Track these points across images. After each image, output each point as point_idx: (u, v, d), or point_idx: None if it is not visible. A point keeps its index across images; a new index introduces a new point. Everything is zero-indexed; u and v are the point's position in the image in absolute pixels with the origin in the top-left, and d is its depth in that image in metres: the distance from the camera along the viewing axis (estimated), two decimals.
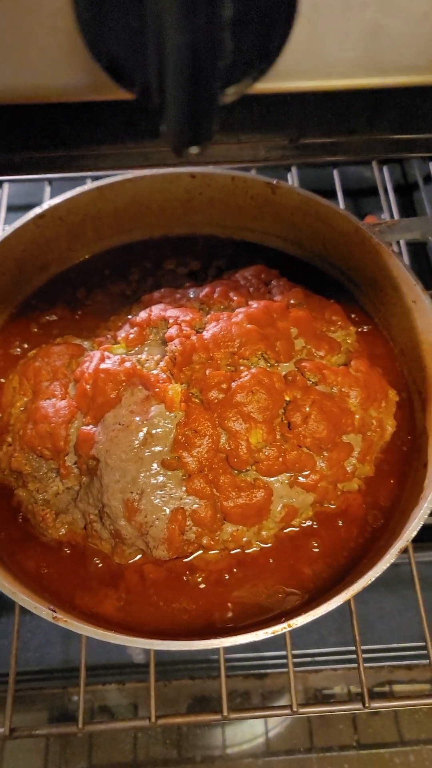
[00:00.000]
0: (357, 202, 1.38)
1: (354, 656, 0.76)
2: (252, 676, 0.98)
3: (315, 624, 1.01)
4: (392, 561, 0.63)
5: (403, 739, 0.99)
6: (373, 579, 0.62)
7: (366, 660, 0.96)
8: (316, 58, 0.32)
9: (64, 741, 0.95)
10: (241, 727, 1.00)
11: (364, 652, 0.92)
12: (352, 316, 0.83)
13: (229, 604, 0.69)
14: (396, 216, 1.08)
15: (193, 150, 0.27)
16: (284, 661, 0.76)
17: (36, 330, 0.82)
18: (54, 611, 0.59)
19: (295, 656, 0.76)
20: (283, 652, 0.76)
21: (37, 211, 0.79)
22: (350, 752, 0.98)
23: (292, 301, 0.77)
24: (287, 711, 0.73)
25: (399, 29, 0.31)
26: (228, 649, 0.79)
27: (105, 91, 0.31)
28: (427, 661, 0.76)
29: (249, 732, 1.00)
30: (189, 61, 0.26)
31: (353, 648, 0.76)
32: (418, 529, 0.64)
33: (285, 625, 0.60)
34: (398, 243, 1.01)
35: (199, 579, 0.69)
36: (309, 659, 0.97)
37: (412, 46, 0.32)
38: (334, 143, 0.41)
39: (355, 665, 0.76)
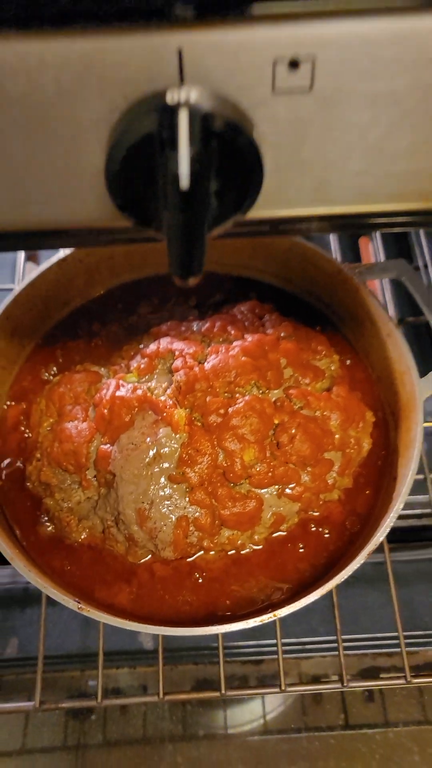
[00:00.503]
0: None
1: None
2: (249, 662, 1.09)
3: (305, 616, 1.14)
4: (363, 561, 0.74)
5: (387, 721, 1.11)
6: (346, 577, 0.73)
7: (351, 648, 1.09)
8: (279, 200, 0.43)
9: (81, 718, 1.07)
10: (241, 709, 1.11)
11: (350, 640, 1.04)
12: (335, 347, 0.93)
13: (226, 597, 0.80)
14: (380, 247, 1.20)
15: (191, 280, 0.39)
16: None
17: (60, 359, 0.94)
18: (79, 602, 0.71)
19: (287, 644, 0.87)
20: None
21: (60, 255, 0.91)
22: (336, 732, 1.09)
23: (282, 334, 0.88)
24: (276, 689, 0.84)
25: (339, 181, 0.42)
26: (227, 637, 0.91)
27: (119, 222, 0.43)
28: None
29: (248, 714, 1.11)
30: (184, 220, 0.37)
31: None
32: (385, 535, 0.75)
33: (272, 614, 0.71)
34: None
35: (200, 576, 0.80)
36: (300, 647, 1.09)
37: (350, 190, 0.43)
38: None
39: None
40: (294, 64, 0.36)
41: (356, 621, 1.10)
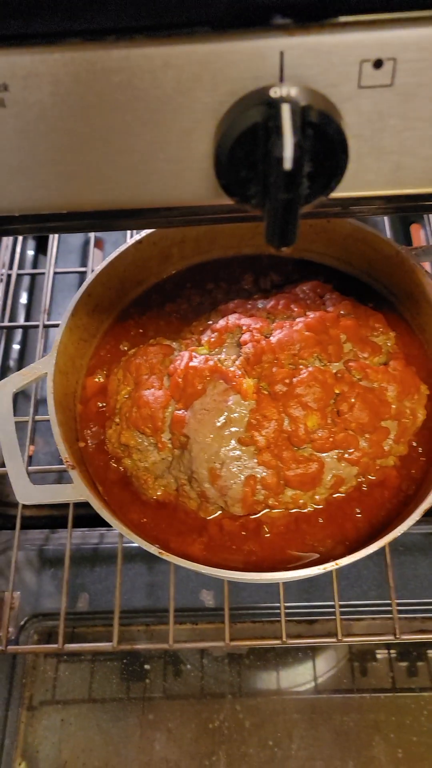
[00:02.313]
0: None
1: (389, 608, 0.93)
2: (304, 621, 1.17)
3: (357, 581, 1.20)
4: (417, 518, 0.80)
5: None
6: (404, 530, 0.77)
7: (400, 612, 1.15)
8: (358, 182, 0.49)
9: (143, 669, 1.16)
10: (293, 671, 1.19)
11: (400, 604, 1.10)
12: (391, 324, 0.99)
13: (289, 551, 0.87)
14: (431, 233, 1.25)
15: (285, 249, 0.46)
16: (331, 609, 0.94)
17: (134, 333, 1.02)
18: (159, 548, 0.79)
19: (341, 606, 0.94)
20: (331, 602, 0.94)
21: (137, 238, 0.99)
22: (387, 694, 1.15)
23: (342, 312, 0.95)
24: (333, 639, 0.91)
25: (413, 165, 0.49)
26: (284, 597, 0.97)
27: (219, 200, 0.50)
28: None
29: (300, 678, 1.18)
30: (285, 197, 0.44)
31: (389, 601, 0.94)
32: None
33: (333, 563, 0.78)
34: None
35: (266, 531, 0.87)
36: (353, 609, 1.16)
37: (422, 173, 0.49)
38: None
39: (391, 616, 0.93)
40: (378, 64, 0.43)
41: (406, 587, 1.16)
